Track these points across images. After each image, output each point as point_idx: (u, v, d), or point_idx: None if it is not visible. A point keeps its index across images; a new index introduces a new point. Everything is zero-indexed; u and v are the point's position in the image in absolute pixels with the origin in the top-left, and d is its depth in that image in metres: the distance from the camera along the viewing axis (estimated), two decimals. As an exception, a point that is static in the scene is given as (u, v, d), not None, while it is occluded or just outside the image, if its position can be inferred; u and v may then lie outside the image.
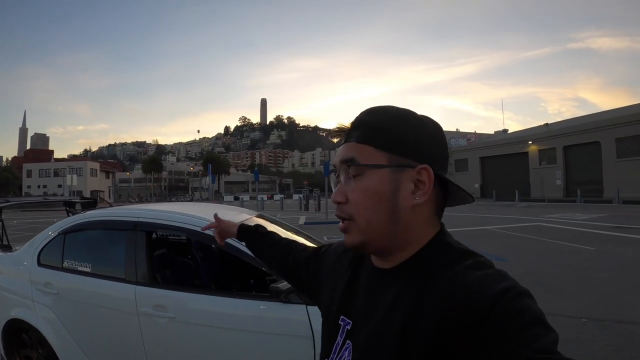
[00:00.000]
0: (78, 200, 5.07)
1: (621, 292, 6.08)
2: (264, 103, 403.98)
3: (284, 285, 2.46)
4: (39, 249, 3.40)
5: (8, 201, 4.32)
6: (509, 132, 56.38)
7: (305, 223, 18.17)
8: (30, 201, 6.57)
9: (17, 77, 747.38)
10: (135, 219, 3.11)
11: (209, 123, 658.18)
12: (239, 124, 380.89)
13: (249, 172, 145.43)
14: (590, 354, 3.97)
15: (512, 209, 25.21)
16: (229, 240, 2.75)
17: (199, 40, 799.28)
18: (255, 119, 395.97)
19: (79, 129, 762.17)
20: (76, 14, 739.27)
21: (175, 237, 4.50)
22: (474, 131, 66.47)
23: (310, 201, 29.86)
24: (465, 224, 15.26)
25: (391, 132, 0.79)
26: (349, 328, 0.86)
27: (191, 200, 69.22)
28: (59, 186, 71.54)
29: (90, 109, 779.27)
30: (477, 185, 44.93)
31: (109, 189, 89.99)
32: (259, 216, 3.81)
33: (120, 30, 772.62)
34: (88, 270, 3.12)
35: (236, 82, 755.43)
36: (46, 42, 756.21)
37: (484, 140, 52.08)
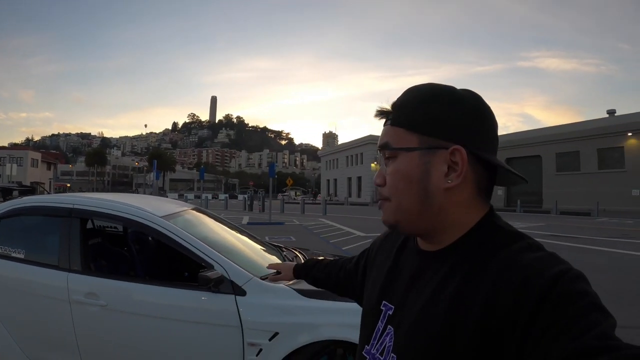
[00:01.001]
0: (15, 187, 4.95)
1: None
2: (214, 101, 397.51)
3: (213, 273, 2.54)
4: None
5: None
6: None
7: (248, 223, 18.32)
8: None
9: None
10: (71, 206, 3.09)
11: (157, 118, 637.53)
12: (187, 121, 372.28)
13: (195, 170, 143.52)
14: None
15: None
16: (163, 230, 2.81)
17: (151, 32, 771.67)
18: (204, 116, 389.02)
19: (22, 116, 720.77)
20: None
21: (112, 229, 4.47)
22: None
23: (255, 202, 29.81)
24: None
25: (421, 112, 0.77)
26: (390, 313, 0.83)
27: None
28: (-2, 175, 67.85)
29: (35, 96, 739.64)
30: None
31: (50, 181, 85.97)
32: (194, 209, 3.85)
33: (70, 15, 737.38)
34: (21, 256, 3.06)
35: (187, 77, 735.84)
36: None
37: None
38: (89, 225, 4.20)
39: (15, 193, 4.65)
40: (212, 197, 48.87)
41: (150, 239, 3.85)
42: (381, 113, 0.83)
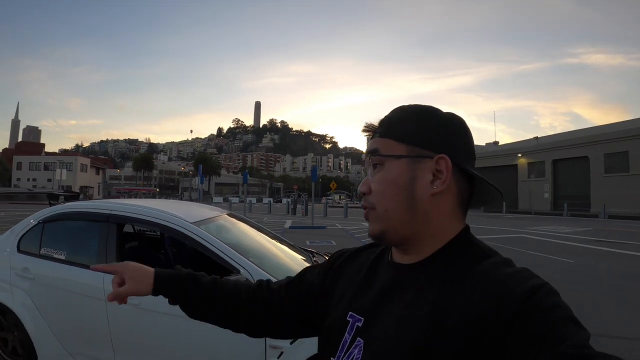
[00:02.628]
0: (61, 193, 5.25)
1: (593, 305, 6.13)
2: (258, 106, 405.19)
3: (237, 277, 2.65)
4: (20, 236, 3.57)
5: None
6: (499, 144, 56.78)
7: (290, 227, 18.43)
8: (16, 191, 6.71)
9: (11, 69, 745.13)
10: (108, 212, 3.31)
11: (202, 124, 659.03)
12: (232, 126, 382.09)
13: (239, 175, 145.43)
14: None
15: (498, 220, 25.52)
16: (192, 235, 2.93)
17: (196, 40, 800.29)
18: (248, 121, 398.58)
19: (71, 124, 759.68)
20: (73, 7, 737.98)
21: (151, 233, 4.67)
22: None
23: (298, 206, 30.03)
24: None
25: (410, 125, 0.81)
26: (359, 325, 0.83)
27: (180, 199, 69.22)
28: (49, 180, 71.34)
29: (83, 104, 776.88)
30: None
31: (99, 185, 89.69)
32: (229, 214, 4.00)
33: (117, 25, 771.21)
34: (63, 257, 3.30)
35: (231, 83, 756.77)
36: (41, 35, 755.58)
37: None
38: (130, 229, 4.43)
39: (60, 198, 4.95)
40: (257, 201, 49.47)
41: (185, 242, 4.01)
42: (368, 129, 0.88)
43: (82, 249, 3.38)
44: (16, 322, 3.36)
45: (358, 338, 0.81)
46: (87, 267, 3.12)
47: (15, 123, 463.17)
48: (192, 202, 4.02)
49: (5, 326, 3.50)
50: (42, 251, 3.40)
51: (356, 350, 0.80)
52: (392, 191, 0.80)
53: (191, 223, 3.08)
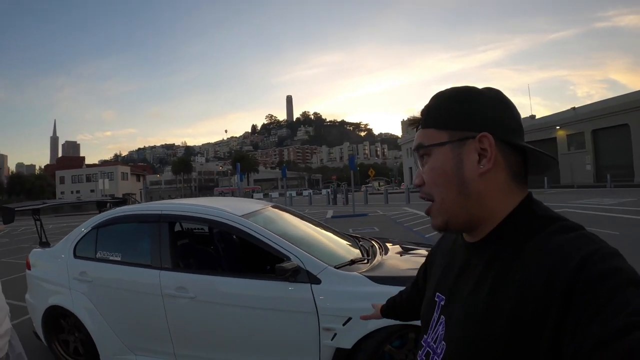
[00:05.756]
0: (109, 200, 5.44)
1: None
2: (289, 100, 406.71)
3: (289, 264, 2.70)
4: (75, 243, 3.75)
5: (45, 202, 4.67)
6: (536, 117, 55.26)
7: (332, 217, 18.37)
8: (65, 202, 6.99)
9: (45, 88, 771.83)
10: (159, 212, 3.43)
11: (236, 122, 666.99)
12: (265, 122, 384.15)
13: (277, 169, 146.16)
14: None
15: (539, 196, 24.05)
16: (243, 227, 3.02)
17: (221, 41, 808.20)
18: (281, 116, 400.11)
19: (108, 135, 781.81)
20: (95, 23, 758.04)
21: (199, 230, 4.82)
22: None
23: (339, 195, 30.04)
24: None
25: (447, 111, 0.82)
26: (442, 304, 0.87)
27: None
28: (92, 191, 73.86)
29: (117, 115, 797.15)
30: (504, 174, 44.04)
31: (140, 191, 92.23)
32: (274, 206, 4.07)
33: (141, 35, 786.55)
34: (118, 259, 3.45)
35: (260, 80, 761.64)
36: (69, 52, 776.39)
37: (510, 127, 50.50)
38: (178, 228, 4.58)
39: (108, 205, 5.14)
40: (297, 194, 49.69)
41: (234, 237, 4.13)
42: (413, 122, 0.90)
43: (136, 250, 3.51)
44: (77, 323, 3.53)
45: (442, 316, 0.86)
46: (142, 265, 3.28)
47: (54, 140, 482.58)
48: (235, 198, 4.14)
49: (67, 329, 3.69)
50: (98, 255, 3.57)
51: (440, 327, 0.85)
52: (443, 179, 0.81)
53: (240, 216, 3.16)
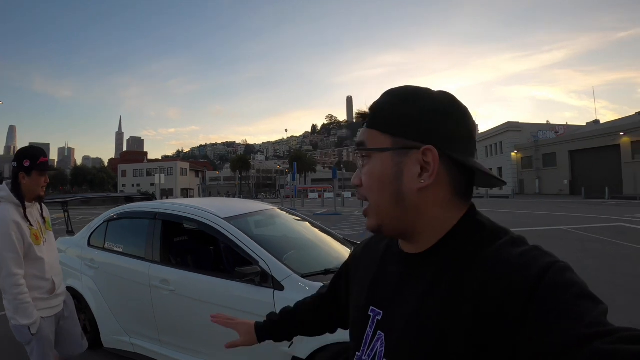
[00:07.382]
0: (138, 196, 5.89)
1: None
2: (349, 100, 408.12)
3: (250, 269, 2.85)
4: (90, 233, 4.26)
5: (75, 196, 5.16)
6: (601, 122, 52.14)
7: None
8: (93, 197, 7.52)
9: (111, 86, 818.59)
10: (156, 210, 3.78)
11: (296, 122, 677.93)
12: (325, 122, 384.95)
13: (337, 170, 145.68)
14: None
15: (598, 207, 23.10)
16: (220, 229, 3.23)
17: (283, 41, 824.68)
18: (341, 116, 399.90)
19: (171, 131, 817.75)
20: (160, 24, 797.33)
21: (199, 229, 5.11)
22: (565, 123, 60.64)
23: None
24: (533, 223, 14.54)
25: (393, 114, 0.77)
26: (379, 318, 0.82)
27: (276, 197, 71.44)
28: (152, 185, 77.64)
29: (180, 112, 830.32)
30: (565, 182, 42.10)
31: (198, 187, 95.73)
32: (278, 209, 4.32)
33: (205, 36, 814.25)
34: (120, 250, 3.88)
35: (321, 80, 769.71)
36: (136, 53, 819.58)
37: (574, 132, 47.53)
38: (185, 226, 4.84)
39: (136, 200, 5.60)
40: (352, 195, 48.98)
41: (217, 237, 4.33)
42: (360, 116, 0.84)
43: (134, 243, 3.87)
44: (86, 304, 3.98)
45: (379, 331, 0.81)
46: (137, 257, 3.65)
47: (119, 135, 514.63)
48: (238, 199, 4.23)
49: (79, 308, 4.07)
50: (106, 245, 4.02)
51: (378, 344, 0.80)
52: (379, 186, 0.78)
53: (222, 218, 3.35)
